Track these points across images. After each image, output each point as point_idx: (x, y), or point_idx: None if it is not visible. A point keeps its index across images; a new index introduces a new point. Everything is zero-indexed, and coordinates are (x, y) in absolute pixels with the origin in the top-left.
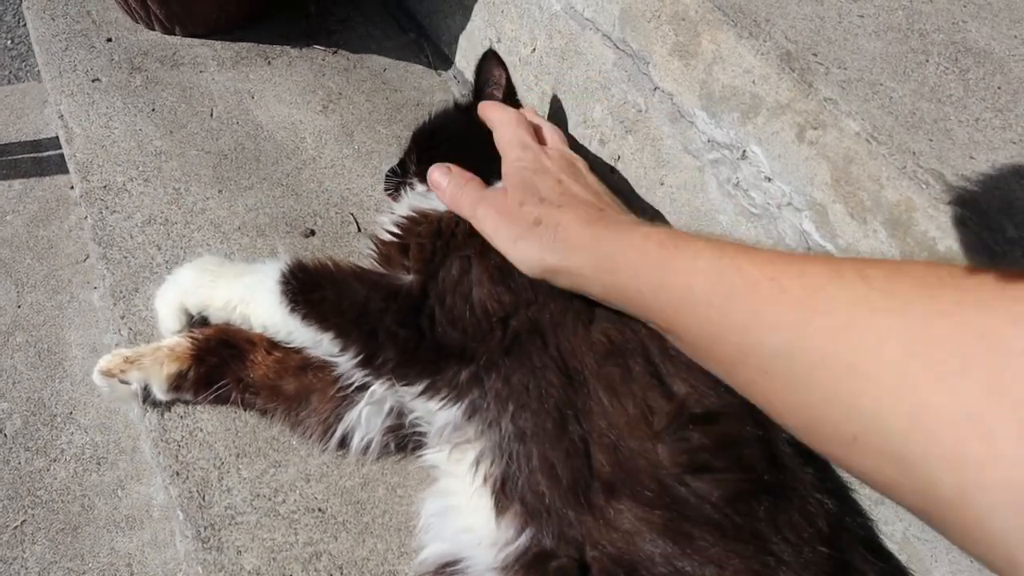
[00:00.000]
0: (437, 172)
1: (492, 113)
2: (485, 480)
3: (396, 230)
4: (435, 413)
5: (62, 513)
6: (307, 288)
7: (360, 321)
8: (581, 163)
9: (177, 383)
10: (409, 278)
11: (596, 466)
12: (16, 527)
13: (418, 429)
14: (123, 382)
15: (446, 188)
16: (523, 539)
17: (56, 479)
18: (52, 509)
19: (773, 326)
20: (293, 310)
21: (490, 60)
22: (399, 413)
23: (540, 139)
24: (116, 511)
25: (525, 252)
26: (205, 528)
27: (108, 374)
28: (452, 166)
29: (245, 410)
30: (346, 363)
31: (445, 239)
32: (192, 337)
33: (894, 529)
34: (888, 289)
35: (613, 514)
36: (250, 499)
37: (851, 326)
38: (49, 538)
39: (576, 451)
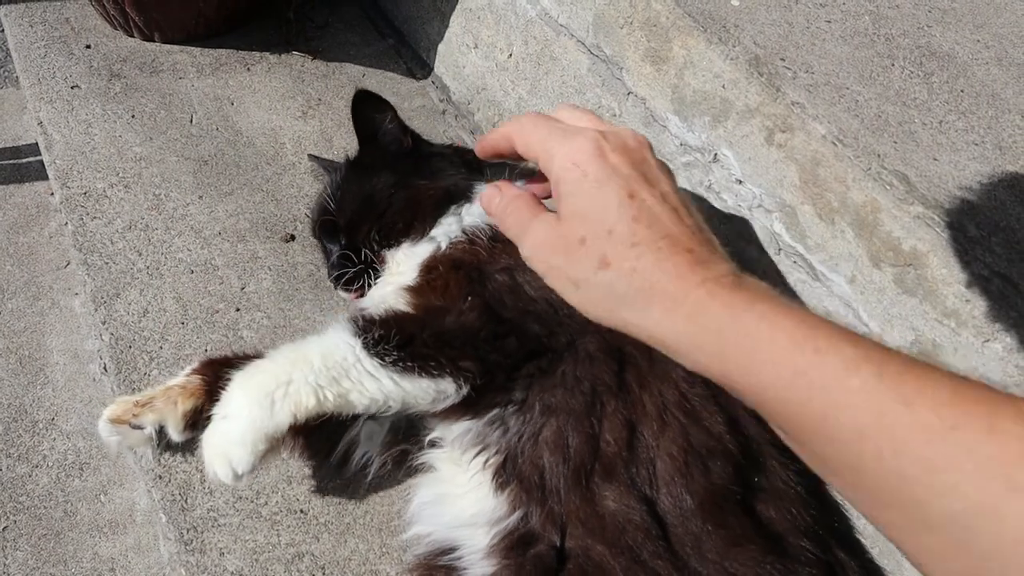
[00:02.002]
0: (489, 190)
1: (509, 127)
2: (486, 464)
3: (424, 279)
4: (453, 427)
5: (45, 519)
6: (401, 342)
7: (467, 347)
8: (648, 150)
9: (193, 420)
10: (471, 300)
11: (603, 446)
12: None
13: (428, 439)
14: (135, 427)
15: (494, 206)
16: (514, 517)
17: (38, 485)
18: (35, 515)
19: (953, 488)
20: (404, 370)
21: (367, 102)
22: (406, 428)
23: None
24: (99, 516)
25: (589, 301)
26: (188, 531)
27: (118, 421)
28: (501, 183)
29: None
30: (453, 400)
31: (469, 264)
32: (201, 373)
33: (867, 524)
34: None
35: (601, 499)
36: (232, 501)
37: None
38: (32, 544)
39: (592, 432)
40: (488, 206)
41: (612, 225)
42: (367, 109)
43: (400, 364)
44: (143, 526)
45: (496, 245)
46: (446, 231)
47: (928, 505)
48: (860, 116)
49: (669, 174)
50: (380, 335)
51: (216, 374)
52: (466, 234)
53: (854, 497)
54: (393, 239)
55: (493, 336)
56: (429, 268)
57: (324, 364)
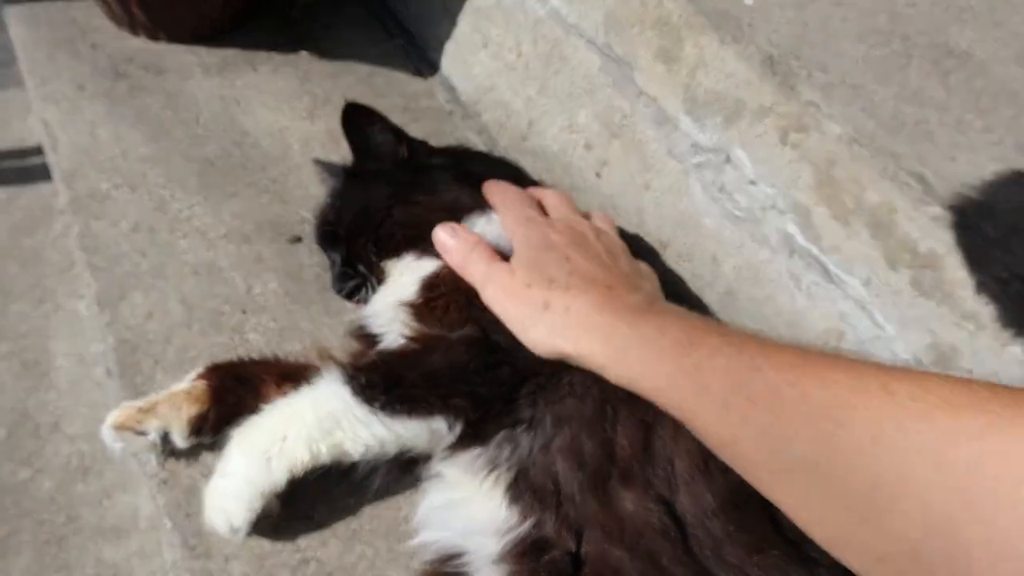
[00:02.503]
0: (443, 232)
1: (493, 196)
2: (497, 479)
3: (424, 296)
4: (462, 456)
5: (48, 524)
6: (388, 385)
7: (456, 384)
8: (589, 229)
9: (199, 426)
10: (461, 332)
11: (618, 449)
12: (1, 538)
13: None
14: (139, 433)
15: (454, 252)
16: (527, 525)
17: (41, 490)
18: (37, 520)
19: (795, 435)
20: (394, 413)
21: (356, 114)
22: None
23: (544, 210)
24: (102, 521)
25: (537, 337)
26: (192, 536)
27: (122, 428)
28: (455, 225)
29: None
30: (450, 438)
31: (469, 286)
32: (206, 378)
33: None
34: (914, 407)
35: (619, 502)
36: None
37: (877, 442)
38: (34, 549)
39: (607, 436)
40: (445, 248)
41: (552, 276)
42: (357, 121)
43: (389, 408)
44: (147, 531)
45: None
46: None
47: (782, 453)
48: (876, 116)
49: (605, 243)
50: (368, 379)
51: (222, 379)
52: None
53: (737, 465)
54: (392, 252)
55: (484, 367)
56: (431, 285)
57: (316, 416)
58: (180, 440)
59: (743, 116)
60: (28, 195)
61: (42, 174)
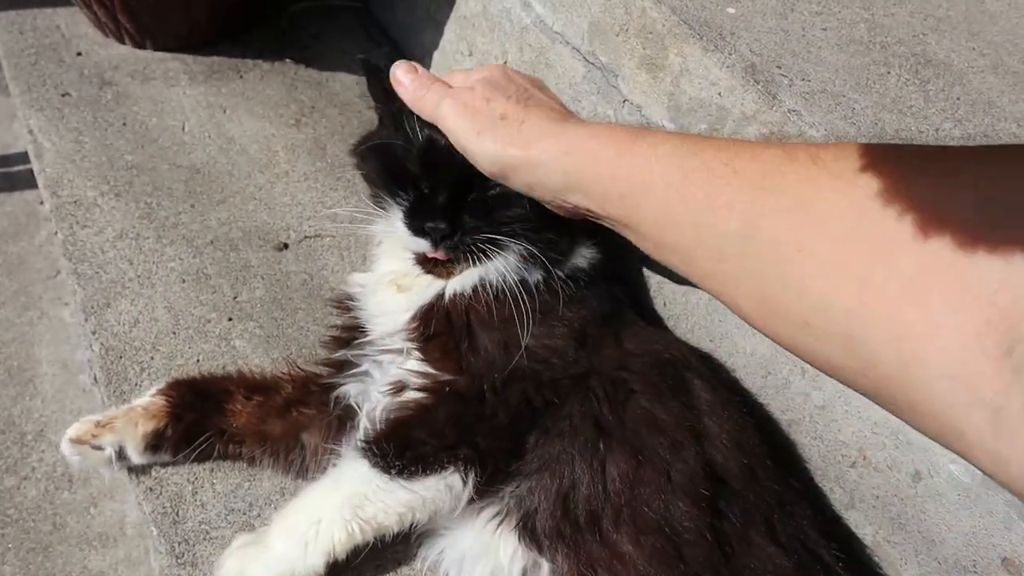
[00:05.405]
0: (401, 69)
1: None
2: (503, 523)
3: (423, 331)
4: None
5: (33, 532)
6: (400, 449)
7: (461, 435)
8: (543, 83)
9: (154, 442)
10: (455, 382)
11: (610, 489)
12: None
13: None
14: (96, 447)
15: (408, 87)
16: (546, 569)
17: (27, 498)
18: (23, 528)
19: (728, 207)
20: (412, 475)
21: None
22: None
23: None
24: (88, 529)
25: (487, 145)
26: (179, 544)
27: (79, 442)
28: (417, 65)
29: (230, 461)
30: (466, 494)
31: (461, 323)
32: (165, 394)
33: (864, 533)
34: (836, 168)
35: (616, 540)
36: (224, 513)
37: (799, 206)
38: (20, 558)
39: (597, 476)
40: (403, 84)
41: (511, 95)
42: None
43: (406, 471)
44: (133, 539)
45: (497, 301)
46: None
47: (716, 231)
48: (856, 124)
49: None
50: (381, 449)
51: (182, 395)
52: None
53: (677, 258)
54: (487, 252)
55: (478, 418)
56: (426, 323)
57: (342, 496)
58: (135, 456)
59: (726, 124)
60: (12, 202)
61: (27, 181)
